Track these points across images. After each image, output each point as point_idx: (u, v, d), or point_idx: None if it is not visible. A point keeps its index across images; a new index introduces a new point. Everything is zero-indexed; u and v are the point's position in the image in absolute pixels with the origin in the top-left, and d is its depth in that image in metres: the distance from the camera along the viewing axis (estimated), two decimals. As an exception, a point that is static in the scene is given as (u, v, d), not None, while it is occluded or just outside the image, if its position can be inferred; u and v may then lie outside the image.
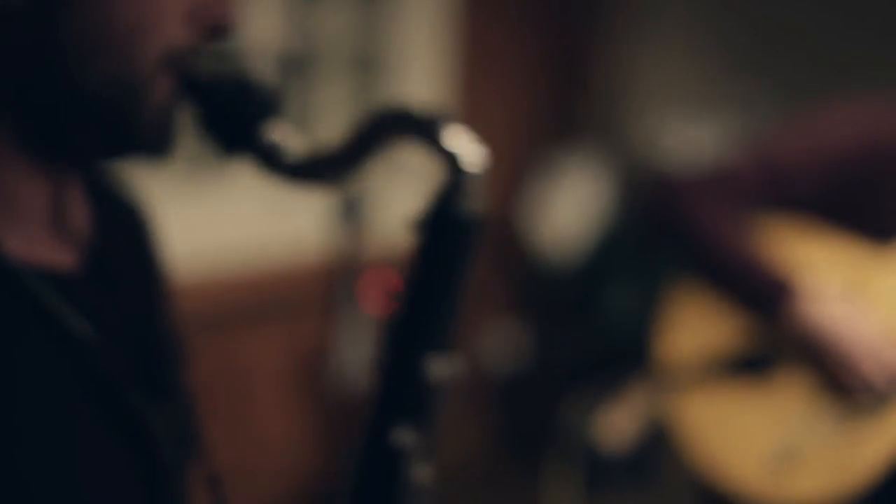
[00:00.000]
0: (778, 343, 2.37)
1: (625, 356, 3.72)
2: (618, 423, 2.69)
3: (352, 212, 3.07)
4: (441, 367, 1.02)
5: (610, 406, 2.76)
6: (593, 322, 4.31)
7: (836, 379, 2.32)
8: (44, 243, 1.01)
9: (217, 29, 1.00)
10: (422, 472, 1.03)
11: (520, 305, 4.73)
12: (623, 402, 2.69)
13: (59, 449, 0.94)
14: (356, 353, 3.29)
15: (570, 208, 4.49)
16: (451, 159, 0.99)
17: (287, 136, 1.01)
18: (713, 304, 2.42)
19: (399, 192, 4.11)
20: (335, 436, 3.37)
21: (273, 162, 1.00)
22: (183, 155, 3.49)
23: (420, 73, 4.39)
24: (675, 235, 2.46)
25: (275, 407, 3.75)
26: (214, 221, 3.58)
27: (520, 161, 4.77)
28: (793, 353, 2.36)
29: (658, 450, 4.10)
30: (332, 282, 3.17)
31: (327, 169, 1.01)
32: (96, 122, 0.98)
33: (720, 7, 4.94)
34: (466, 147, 0.99)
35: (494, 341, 4.66)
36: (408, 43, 4.33)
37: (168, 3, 0.96)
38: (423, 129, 0.98)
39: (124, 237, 1.14)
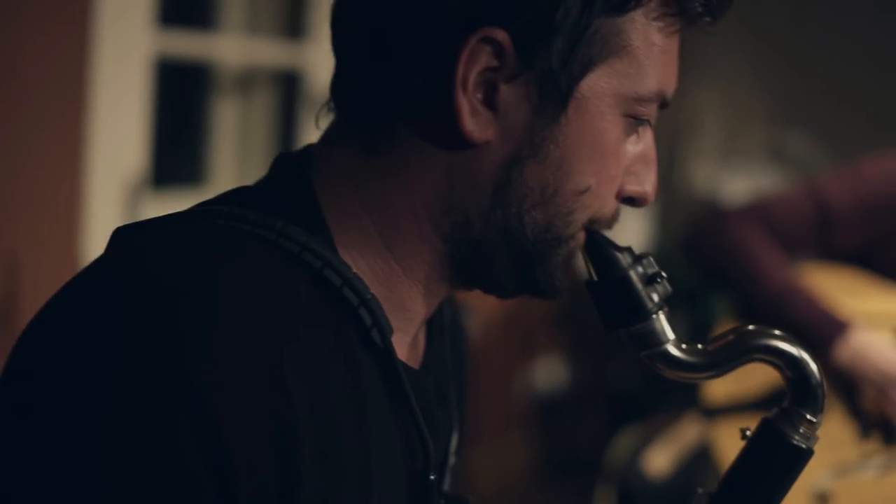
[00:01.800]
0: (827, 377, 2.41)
1: (675, 387, 3.76)
2: (665, 453, 2.74)
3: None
4: None
5: (659, 436, 2.81)
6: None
7: (885, 406, 2.34)
8: (408, 349, 1.08)
9: (635, 201, 1.08)
10: None
11: (573, 339, 4.79)
12: (672, 432, 2.74)
13: None
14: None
15: (625, 244, 4.54)
16: (805, 390, 1.08)
17: (667, 325, 1.06)
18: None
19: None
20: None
21: (645, 345, 1.06)
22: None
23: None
24: (721, 262, 2.45)
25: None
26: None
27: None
28: (841, 387, 2.39)
29: (702, 481, 4.13)
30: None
31: (692, 368, 1.08)
32: (515, 261, 1.03)
33: (779, 63, 4.99)
34: (822, 385, 1.09)
35: (549, 372, 4.72)
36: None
37: (615, 177, 1.03)
38: (791, 358, 1.08)
39: (447, 344, 1.19)
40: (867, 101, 4.83)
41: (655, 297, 1.05)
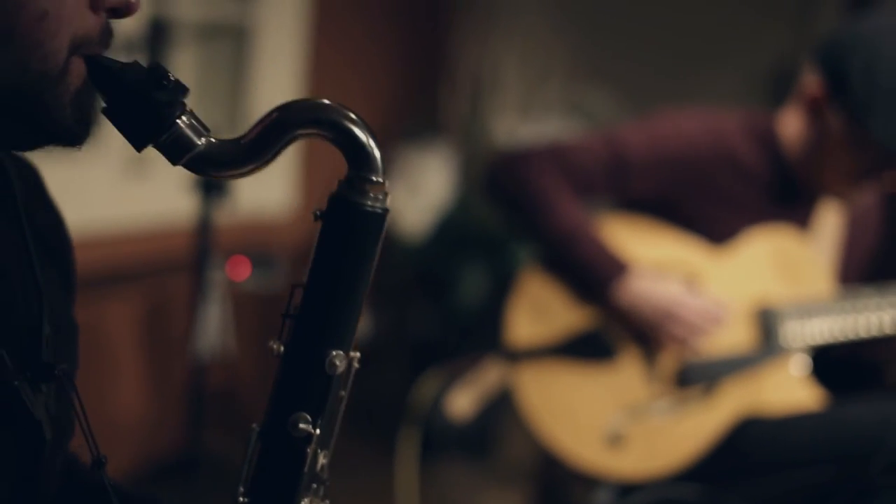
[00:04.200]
0: (616, 321, 2.46)
1: (476, 334, 3.83)
2: (467, 396, 2.80)
3: (214, 184, 3.06)
4: (342, 361, 1.05)
5: (460, 379, 2.87)
6: (448, 302, 4.42)
7: (666, 342, 2.41)
8: None
9: (119, 12, 1.01)
10: (319, 459, 1.07)
11: (372, 289, 4.81)
12: (473, 376, 2.80)
13: None
14: (217, 321, 3.30)
15: (428, 196, 4.58)
16: (356, 153, 1.01)
17: (194, 127, 1.01)
18: (560, 285, 2.47)
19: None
20: (193, 404, 3.40)
21: (180, 154, 1.01)
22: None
23: (278, 58, 4.36)
24: (516, 197, 2.47)
25: (130, 373, 3.71)
26: (73, 181, 3.48)
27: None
28: (629, 328, 2.44)
29: (503, 423, 4.22)
30: (195, 249, 3.17)
31: (234, 162, 1.02)
32: (9, 110, 0.97)
33: (578, 20, 5.08)
34: (370, 142, 1.02)
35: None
36: (267, 27, 4.24)
37: None
38: (329, 124, 1.01)
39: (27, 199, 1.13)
40: (661, 59, 4.98)
41: (173, 103, 1.00)
